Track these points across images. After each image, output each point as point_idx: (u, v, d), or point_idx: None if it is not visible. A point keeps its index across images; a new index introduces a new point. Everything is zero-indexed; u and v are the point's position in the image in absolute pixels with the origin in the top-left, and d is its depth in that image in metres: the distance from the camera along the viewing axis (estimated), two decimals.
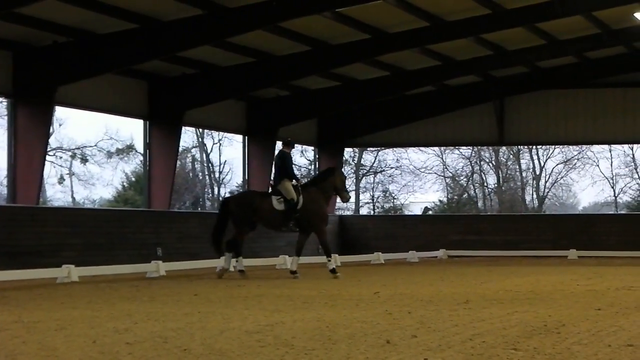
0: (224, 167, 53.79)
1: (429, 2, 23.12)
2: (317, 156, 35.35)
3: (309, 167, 49.90)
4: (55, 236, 21.54)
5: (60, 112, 43.78)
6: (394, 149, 48.33)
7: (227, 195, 53.06)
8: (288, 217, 19.24)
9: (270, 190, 19.82)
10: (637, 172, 54.97)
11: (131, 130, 56.50)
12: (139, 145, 46.60)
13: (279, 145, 25.88)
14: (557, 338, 8.58)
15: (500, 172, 56.21)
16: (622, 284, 16.16)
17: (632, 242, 30.64)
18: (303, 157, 51.26)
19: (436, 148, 51.53)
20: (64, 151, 48.87)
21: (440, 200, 55.46)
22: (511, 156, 55.80)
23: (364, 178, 54.30)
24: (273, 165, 20.25)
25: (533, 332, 8.97)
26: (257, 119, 29.90)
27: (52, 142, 44.45)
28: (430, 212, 49.53)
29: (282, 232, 20.65)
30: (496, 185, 56.34)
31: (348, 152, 46.80)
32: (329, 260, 19.48)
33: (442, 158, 54.42)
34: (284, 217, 19.26)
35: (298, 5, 21.23)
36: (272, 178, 20.10)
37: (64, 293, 15.13)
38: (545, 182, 56.37)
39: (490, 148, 51.42)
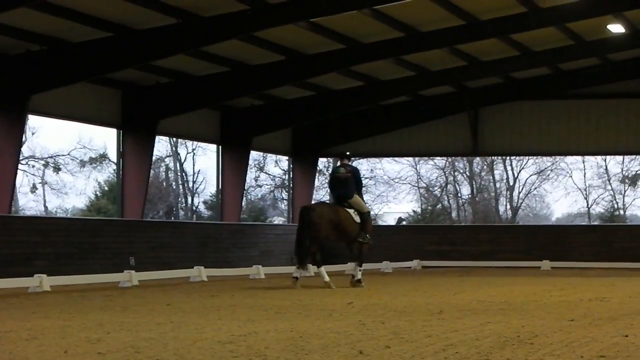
0: (197, 176, 53.77)
1: (403, 13, 23.17)
2: (291, 166, 35.33)
3: (283, 177, 49.90)
4: (27, 245, 21.38)
5: (33, 121, 43.65)
6: (368, 159, 48.37)
7: (201, 203, 53.07)
8: (362, 230, 19.50)
9: (335, 203, 19.83)
10: (609, 184, 55.34)
11: (104, 139, 56.27)
12: (112, 155, 46.54)
13: (253, 155, 25.67)
14: (530, 349, 8.58)
15: (474, 183, 56.42)
16: (594, 295, 16.21)
17: (605, 253, 30.75)
18: (277, 167, 51.29)
19: (410, 158, 51.64)
20: (36, 160, 48.69)
21: (414, 211, 55.59)
22: (485, 167, 56.02)
23: None
24: (341, 180, 19.66)
25: (506, 343, 8.97)
26: (231, 129, 29.81)
27: (25, 150, 44.26)
28: (404, 223, 49.60)
29: (352, 243, 20.06)
30: (470, 195, 56.52)
31: (322, 162, 46.75)
32: (357, 268, 19.67)
33: (416, 168, 54.61)
34: (360, 230, 19.50)
35: (273, 15, 21.23)
36: (337, 191, 19.79)
37: (35, 302, 15.02)
38: (519, 192, 56.62)
39: (464, 158, 51.56)
